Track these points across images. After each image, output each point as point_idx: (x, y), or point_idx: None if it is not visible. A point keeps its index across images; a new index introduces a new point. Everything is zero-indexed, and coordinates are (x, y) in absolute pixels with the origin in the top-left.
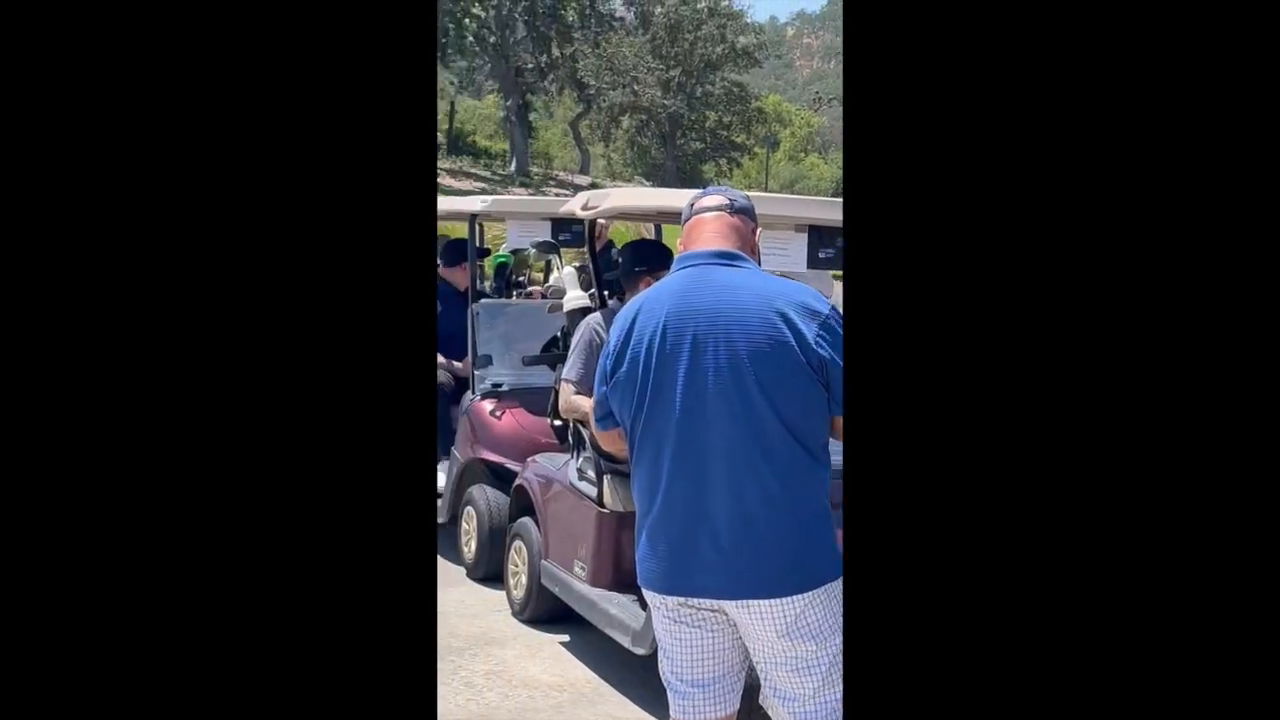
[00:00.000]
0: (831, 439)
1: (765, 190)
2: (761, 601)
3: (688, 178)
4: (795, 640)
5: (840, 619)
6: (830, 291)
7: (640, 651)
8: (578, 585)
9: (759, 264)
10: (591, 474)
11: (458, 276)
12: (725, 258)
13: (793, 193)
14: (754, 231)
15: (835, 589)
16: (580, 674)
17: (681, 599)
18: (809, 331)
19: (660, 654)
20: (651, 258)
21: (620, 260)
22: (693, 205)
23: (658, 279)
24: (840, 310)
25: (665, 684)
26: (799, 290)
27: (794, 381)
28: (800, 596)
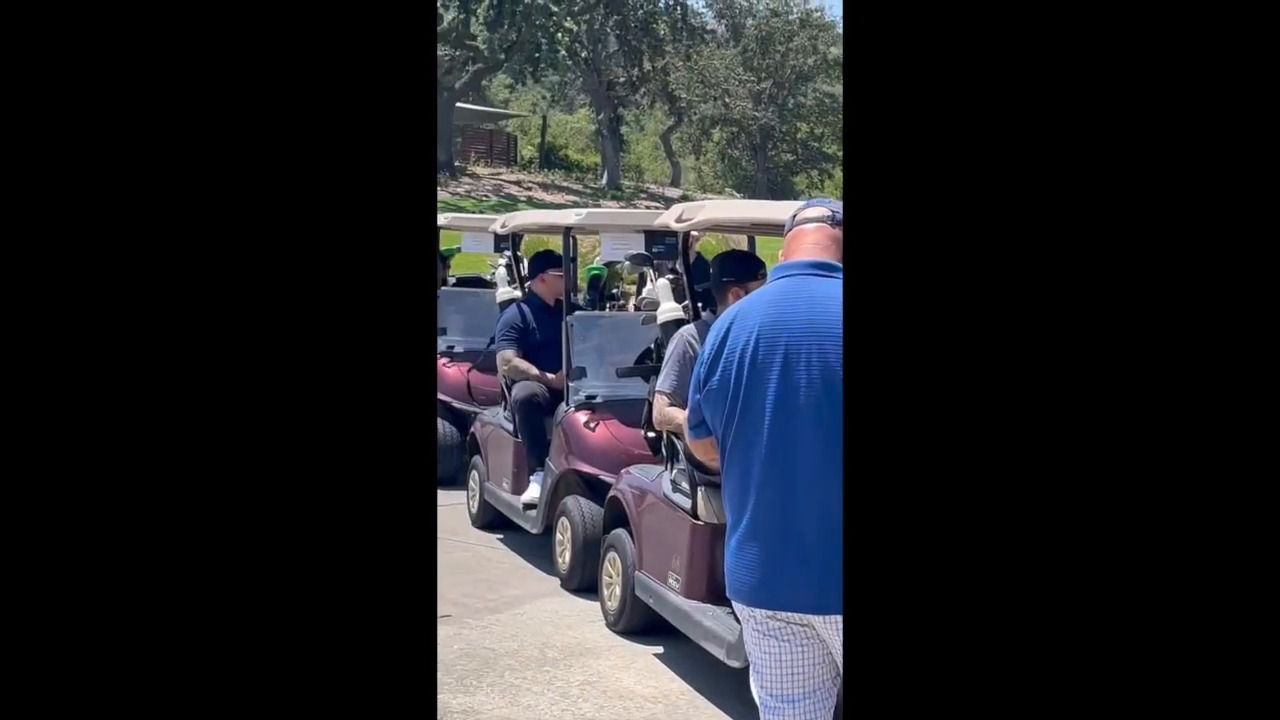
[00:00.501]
0: None
1: None
2: None
3: (779, 190)
4: None
5: None
6: None
7: (735, 664)
8: (672, 597)
9: None
10: (686, 486)
11: (540, 288)
12: (822, 269)
13: None
14: None
15: None
16: (675, 686)
17: (770, 612)
18: None
19: (751, 670)
20: (740, 269)
21: (711, 272)
22: (795, 217)
23: (746, 290)
24: None
25: (757, 702)
26: None
27: None
28: None
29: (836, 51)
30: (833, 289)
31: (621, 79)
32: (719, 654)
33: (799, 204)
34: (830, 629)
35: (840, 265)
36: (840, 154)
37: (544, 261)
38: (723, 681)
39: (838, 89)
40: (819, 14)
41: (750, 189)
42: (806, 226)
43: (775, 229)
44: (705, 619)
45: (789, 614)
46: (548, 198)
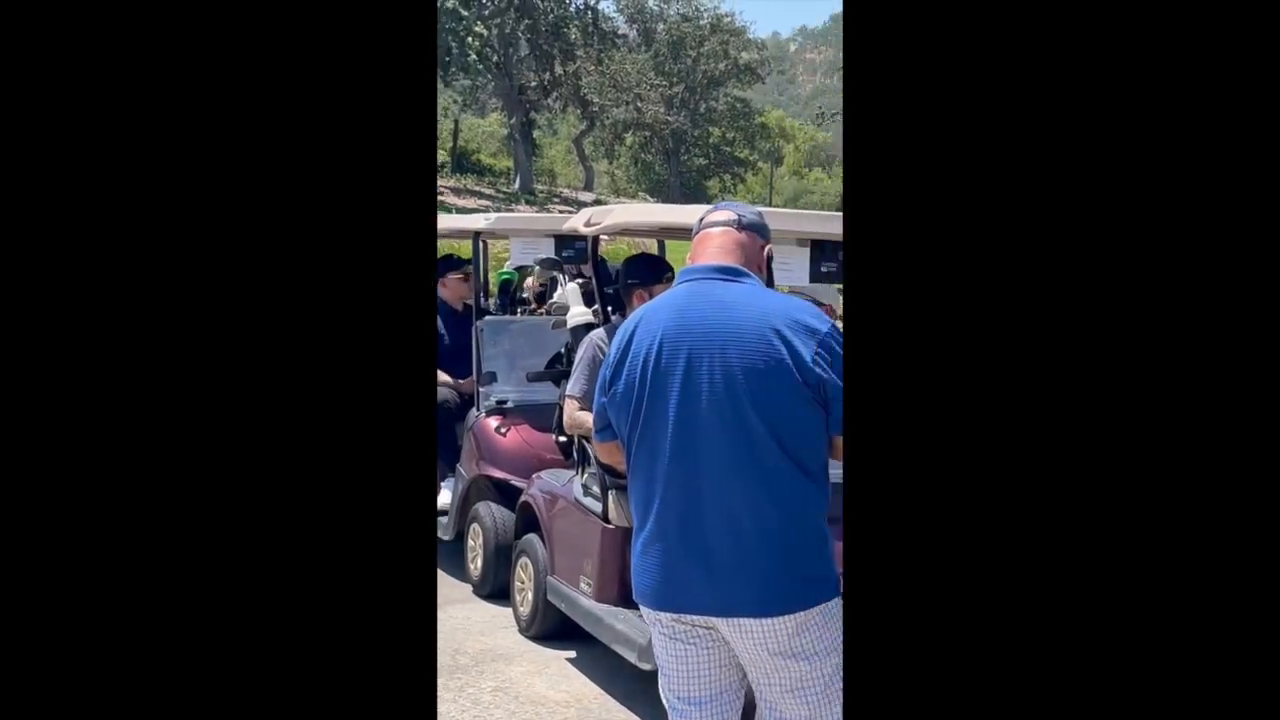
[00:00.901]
0: (832, 459)
1: (769, 205)
2: (751, 620)
3: (691, 193)
4: (788, 660)
5: (838, 639)
6: (838, 305)
7: (646, 667)
8: (584, 601)
9: (769, 280)
10: (596, 489)
11: (443, 292)
12: (725, 272)
13: (797, 207)
14: (762, 248)
15: (832, 609)
16: (587, 690)
17: (675, 615)
18: (806, 350)
19: (659, 673)
20: (644, 272)
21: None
22: (702, 220)
23: (652, 293)
24: (840, 329)
25: (665, 705)
26: (798, 308)
27: (789, 400)
28: (792, 617)
29: (747, 56)
30: (735, 294)
31: (533, 83)
32: (631, 657)
33: (707, 208)
34: (734, 631)
35: (743, 269)
36: (751, 158)
37: (444, 265)
38: (635, 685)
39: (749, 94)
40: (729, 19)
41: (664, 193)
42: (712, 230)
43: (684, 233)
44: (617, 623)
45: (693, 617)
46: (460, 202)
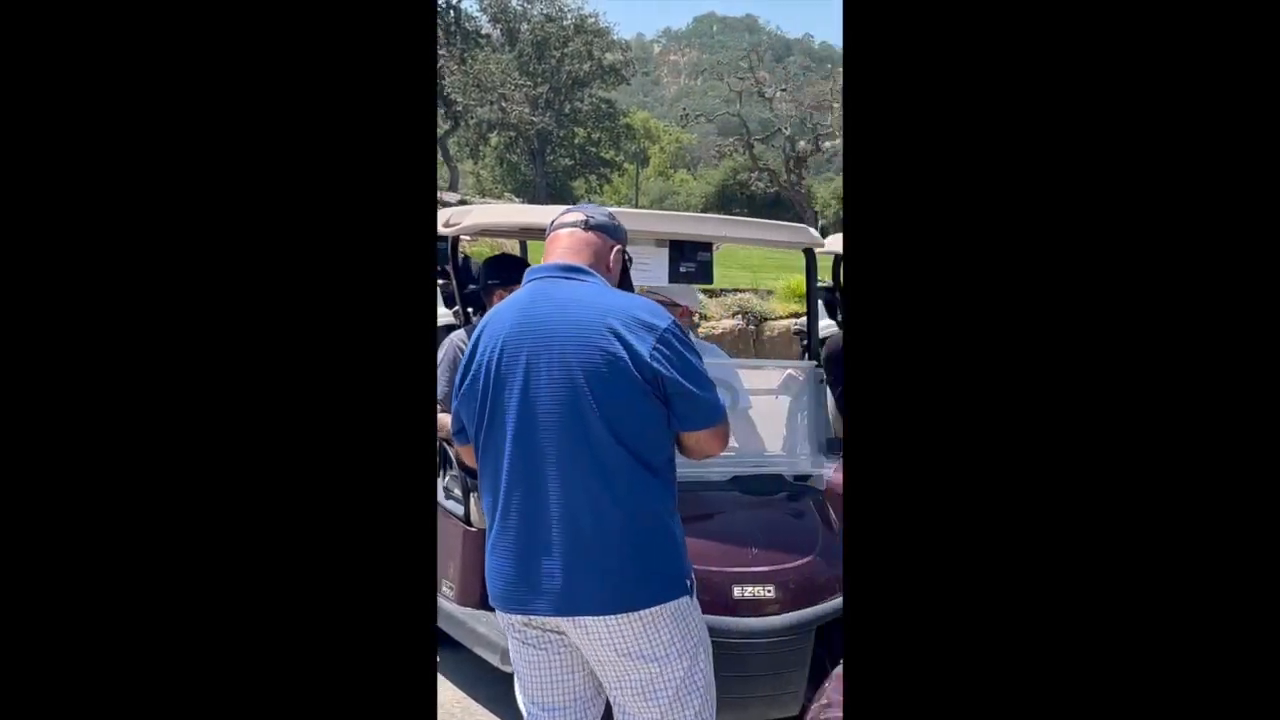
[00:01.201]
0: (682, 456)
1: (635, 206)
2: (594, 619)
3: (558, 194)
4: (636, 661)
5: (689, 640)
6: (695, 304)
7: (509, 670)
8: (446, 604)
9: (623, 281)
10: (459, 492)
11: None
12: (569, 271)
13: (662, 208)
14: (612, 249)
15: (680, 608)
16: (449, 694)
17: (525, 618)
18: (643, 346)
19: (515, 679)
20: (505, 272)
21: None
22: (554, 222)
23: (510, 292)
24: (681, 325)
25: (522, 711)
26: (637, 305)
27: (628, 397)
28: (636, 615)
29: (612, 57)
30: (579, 291)
31: None
32: (493, 660)
33: (561, 209)
34: (580, 633)
35: (586, 268)
36: (617, 159)
37: None
38: (498, 689)
39: (614, 95)
40: (593, 20)
41: (530, 193)
42: (561, 231)
43: (543, 234)
44: (479, 626)
45: (542, 619)
46: None
